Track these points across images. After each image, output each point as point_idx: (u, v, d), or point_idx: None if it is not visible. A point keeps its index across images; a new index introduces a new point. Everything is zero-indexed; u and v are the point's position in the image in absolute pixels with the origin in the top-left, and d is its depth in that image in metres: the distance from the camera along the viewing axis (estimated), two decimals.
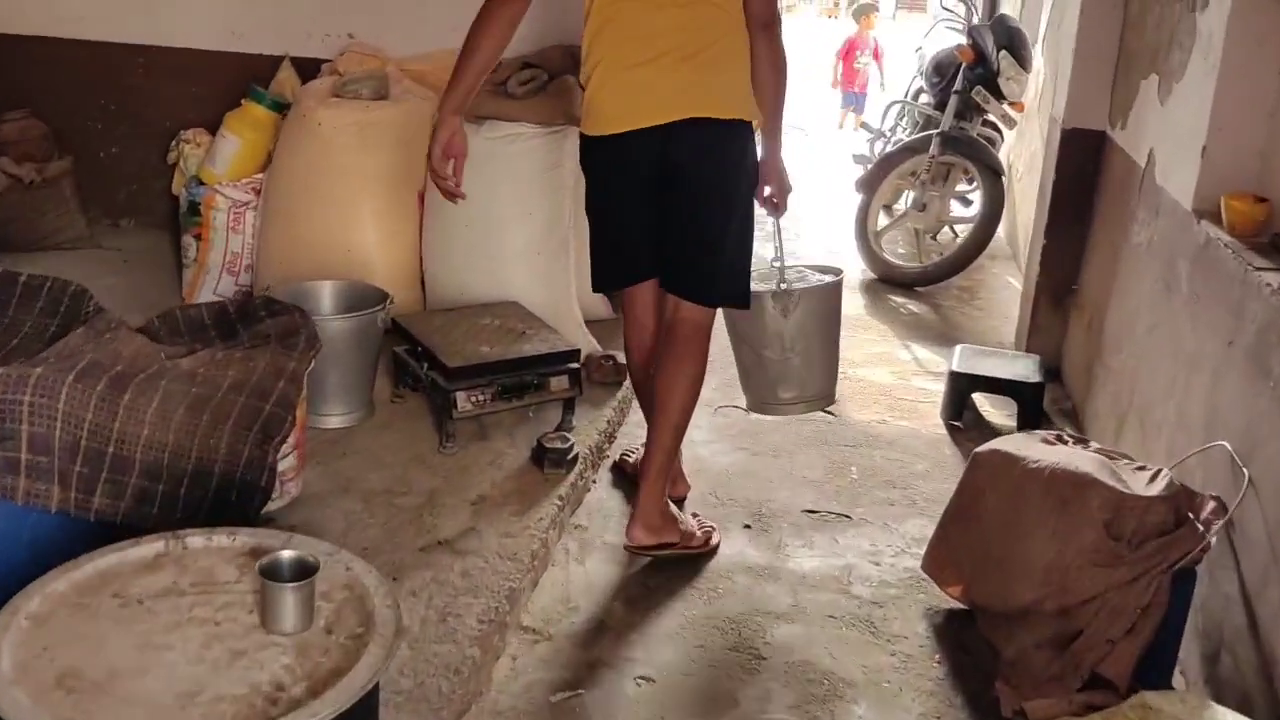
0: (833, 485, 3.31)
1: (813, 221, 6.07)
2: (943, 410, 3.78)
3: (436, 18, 4.04)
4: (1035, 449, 2.52)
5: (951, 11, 5.95)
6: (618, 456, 3.33)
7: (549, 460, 3.03)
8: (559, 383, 3.14)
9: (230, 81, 4.23)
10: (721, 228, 2.71)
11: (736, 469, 3.37)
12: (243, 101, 3.99)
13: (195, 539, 1.95)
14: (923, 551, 2.76)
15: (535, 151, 3.56)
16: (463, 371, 3.01)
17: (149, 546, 1.89)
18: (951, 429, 3.71)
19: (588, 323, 3.75)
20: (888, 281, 5.17)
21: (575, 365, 3.19)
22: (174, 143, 4.27)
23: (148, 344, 2.50)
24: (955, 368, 3.77)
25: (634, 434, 3.44)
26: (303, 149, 3.74)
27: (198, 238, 3.95)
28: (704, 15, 2.59)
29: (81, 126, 4.58)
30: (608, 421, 3.39)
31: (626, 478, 3.20)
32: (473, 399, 3.02)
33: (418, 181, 3.73)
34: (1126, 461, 2.46)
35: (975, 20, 5.65)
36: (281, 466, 2.75)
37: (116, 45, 4.46)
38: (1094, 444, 2.60)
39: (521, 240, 3.56)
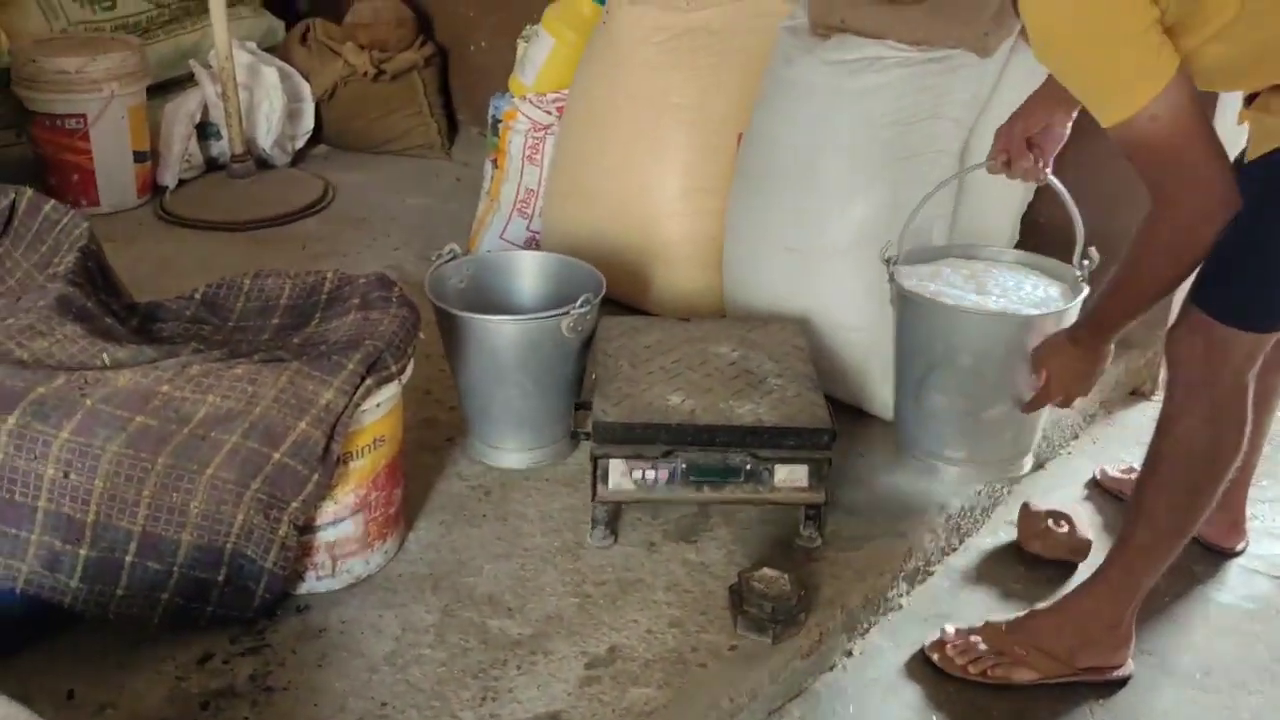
0: None
1: None
2: None
3: None
4: None
5: None
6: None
7: (745, 618, 1.79)
8: (789, 475, 1.86)
9: None
10: None
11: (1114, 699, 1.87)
12: None
13: None
14: None
15: (900, 87, 2.20)
16: (616, 431, 1.85)
17: None
18: None
19: None
20: None
21: (823, 454, 1.88)
22: (519, 40, 3.42)
23: (81, 334, 1.65)
24: None
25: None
26: (600, 63, 2.70)
27: (495, 163, 3.10)
28: None
29: (455, 14, 3.90)
30: (908, 553, 2.03)
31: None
32: (635, 475, 1.85)
33: (742, 119, 2.54)
34: None
35: None
36: (330, 537, 1.83)
37: None
38: None
39: (851, 227, 2.24)
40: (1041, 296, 2.08)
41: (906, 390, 2.11)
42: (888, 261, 2.08)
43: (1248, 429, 1.74)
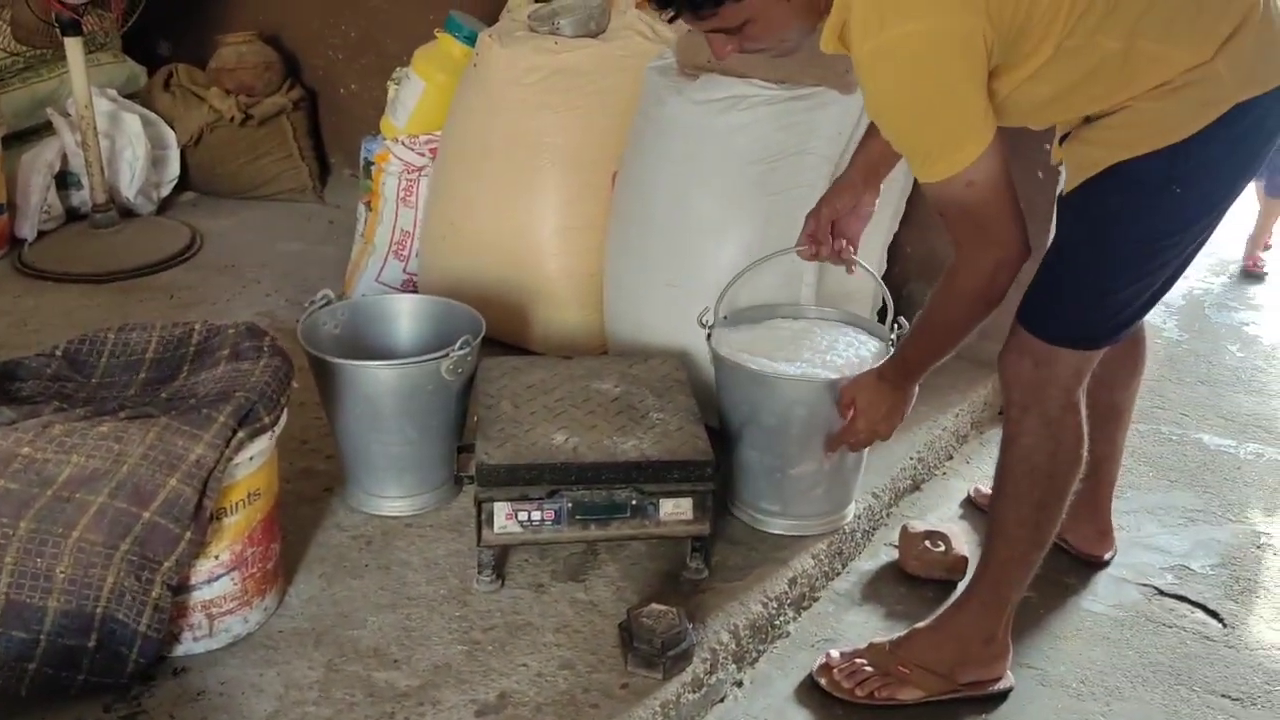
0: None
1: None
2: None
3: None
4: None
5: None
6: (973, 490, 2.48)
7: (635, 655, 1.79)
8: (675, 509, 1.87)
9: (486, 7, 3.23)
10: None
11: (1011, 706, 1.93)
12: (436, 34, 3.01)
13: None
14: None
15: (766, 124, 2.26)
16: (500, 473, 1.84)
17: None
18: None
19: None
20: None
21: (705, 485, 1.90)
22: (389, 83, 3.40)
23: None
24: None
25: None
26: (473, 104, 2.71)
27: (369, 206, 3.07)
28: None
29: (323, 57, 3.87)
30: (793, 580, 2.07)
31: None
32: (521, 516, 1.85)
33: (616, 157, 2.56)
34: None
35: None
36: (206, 596, 1.78)
37: None
38: None
39: (725, 261, 2.28)
40: (851, 356, 2.12)
41: (728, 445, 2.14)
42: (704, 325, 2.12)
43: (1084, 444, 1.81)
